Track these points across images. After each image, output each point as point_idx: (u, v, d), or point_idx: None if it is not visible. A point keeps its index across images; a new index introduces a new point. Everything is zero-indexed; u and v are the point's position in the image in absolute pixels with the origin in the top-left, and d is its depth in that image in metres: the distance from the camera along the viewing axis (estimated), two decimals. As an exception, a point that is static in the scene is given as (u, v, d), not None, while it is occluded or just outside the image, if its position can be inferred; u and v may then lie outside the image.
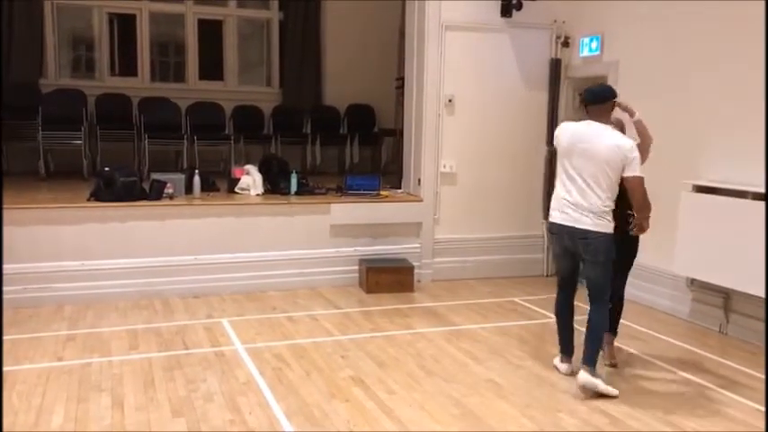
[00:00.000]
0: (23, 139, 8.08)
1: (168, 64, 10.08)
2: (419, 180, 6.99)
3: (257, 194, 6.82)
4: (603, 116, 4.21)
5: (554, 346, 5.00)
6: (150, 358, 4.58)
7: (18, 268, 5.63)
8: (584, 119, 4.26)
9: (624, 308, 4.77)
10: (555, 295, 4.56)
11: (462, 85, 6.89)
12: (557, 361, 4.57)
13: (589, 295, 4.28)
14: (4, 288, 5.56)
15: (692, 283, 5.69)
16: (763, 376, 4.49)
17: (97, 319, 5.42)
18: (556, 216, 4.30)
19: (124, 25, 9.46)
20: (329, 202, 6.67)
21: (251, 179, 6.91)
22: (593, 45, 6.83)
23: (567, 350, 4.52)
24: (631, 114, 4.46)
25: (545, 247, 7.31)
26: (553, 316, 4.63)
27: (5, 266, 5.57)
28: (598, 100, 4.22)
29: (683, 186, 5.58)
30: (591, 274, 4.25)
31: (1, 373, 3.54)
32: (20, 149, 8.23)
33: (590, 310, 4.27)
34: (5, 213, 5.67)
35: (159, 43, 9.79)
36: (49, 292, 5.72)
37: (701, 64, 5.64)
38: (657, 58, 6.09)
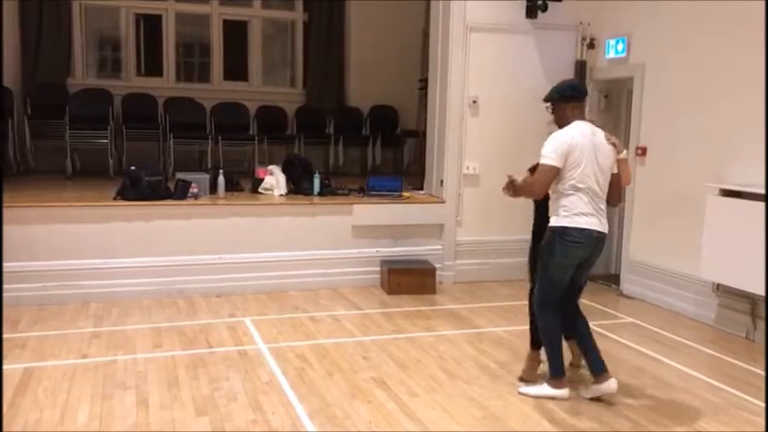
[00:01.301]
0: (51, 137, 8.19)
1: (193, 64, 10.16)
2: (442, 181, 6.97)
3: (280, 195, 6.85)
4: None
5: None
6: (174, 356, 4.61)
7: (44, 266, 5.71)
8: (592, 121, 4.20)
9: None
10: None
11: (486, 86, 6.86)
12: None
13: (577, 301, 4.24)
14: (30, 285, 5.66)
15: (718, 288, 5.61)
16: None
17: (122, 317, 5.47)
18: (594, 223, 3.92)
19: (150, 26, 9.56)
20: (351, 203, 6.68)
21: (274, 179, 6.94)
22: (620, 47, 6.76)
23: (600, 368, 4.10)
24: (619, 151, 4.05)
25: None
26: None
27: (32, 264, 5.66)
28: (585, 95, 4.20)
29: (709, 190, 5.50)
30: (585, 279, 4.25)
31: (1, 374, 3.55)
32: (47, 148, 8.35)
33: (582, 318, 4.22)
34: (33, 211, 5.77)
35: (184, 44, 9.88)
36: (74, 289, 5.78)
37: (728, 66, 5.56)
38: (684, 59, 6.02)
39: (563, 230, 3.93)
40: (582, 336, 4.18)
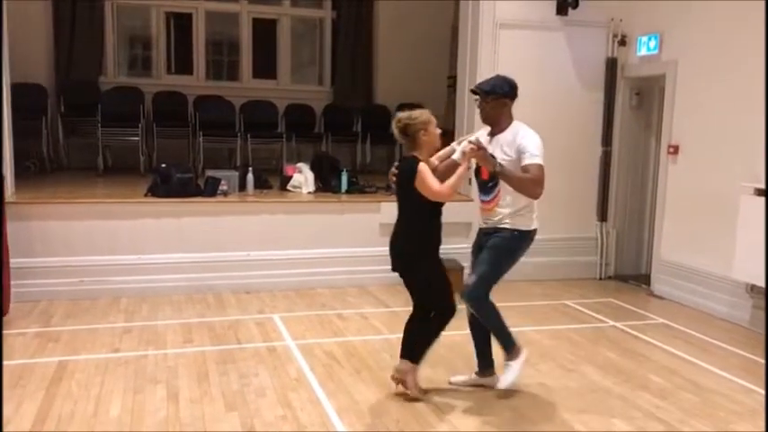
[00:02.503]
0: (83, 135, 8.34)
1: (222, 62, 10.24)
2: (470, 180, 6.92)
3: (308, 192, 6.88)
4: None
5: (609, 350, 4.94)
6: (204, 352, 4.65)
7: (76, 261, 5.80)
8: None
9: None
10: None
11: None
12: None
13: None
14: (64, 280, 5.76)
15: (752, 289, 5.51)
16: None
17: (152, 312, 5.53)
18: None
19: (180, 24, 9.65)
20: (379, 201, 6.67)
21: (303, 177, 6.97)
22: (652, 44, 6.67)
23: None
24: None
25: (599, 249, 7.20)
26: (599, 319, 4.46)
27: (65, 259, 5.75)
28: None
29: (743, 189, 5.41)
30: None
31: (1, 373, 3.64)
32: (80, 145, 8.49)
33: None
34: (65, 207, 5.86)
35: (214, 42, 9.95)
36: (106, 284, 5.87)
37: (762, 64, 5.45)
38: (718, 56, 5.92)
39: (533, 232, 3.96)
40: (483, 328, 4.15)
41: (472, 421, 3.73)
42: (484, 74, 6.70)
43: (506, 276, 7.03)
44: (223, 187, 6.42)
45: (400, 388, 3.98)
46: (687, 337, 5.30)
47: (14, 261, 5.47)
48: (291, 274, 6.33)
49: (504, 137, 3.88)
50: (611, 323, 5.65)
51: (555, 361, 4.71)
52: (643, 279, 7.00)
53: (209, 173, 6.66)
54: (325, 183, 7.02)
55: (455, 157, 4.03)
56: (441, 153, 4.11)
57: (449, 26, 9.15)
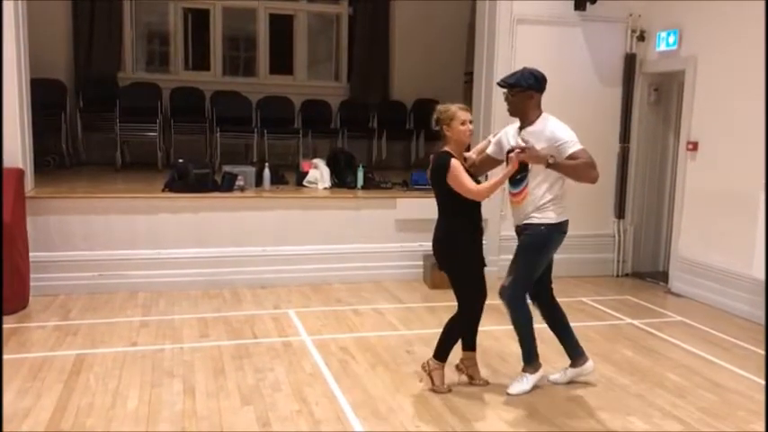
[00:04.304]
0: (102, 130, 8.39)
1: (239, 58, 10.27)
2: (486, 175, 6.90)
3: (324, 188, 6.88)
4: None
5: (626, 348, 4.92)
6: (220, 346, 4.68)
7: (94, 255, 5.85)
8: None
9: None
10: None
11: (533, 80, 6.76)
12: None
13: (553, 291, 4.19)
14: (83, 274, 5.81)
15: (772, 287, 5.45)
16: None
17: (169, 307, 5.57)
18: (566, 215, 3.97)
19: (198, 20, 9.69)
20: (395, 197, 6.67)
21: (319, 173, 6.98)
22: (671, 39, 6.61)
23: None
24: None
25: (616, 246, 7.15)
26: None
27: (83, 253, 5.80)
28: None
29: (763, 186, 5.34)
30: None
31: (1, 371, 3.67)
32: (98, 140, 8.55)
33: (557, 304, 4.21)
34: (83, 202, 5.91)
35: (231, 38, 9.98)
36: (123, 279, 5.91)
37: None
38: (738, 53, 5.85)
39: (560, 225, 3.92)
40: (561, 321, 4.18)
41: (488, 419, 3.72)
42: (501, 70, 6.68)
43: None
44: (240, 183, 6.45)
45: (426, 382, 4.00)
46: (705, 335, 5.25)
47: (33, 255, 5.54)
48: (307, 270, 6.35)
49: (533, 130, 3.88)
50: (628, 320, 5.61)
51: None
52: (660, 276, 6.94)
53: (226, 168, 6.69)
54: (341, 179, 7.03)
55: (488, 151, 4.09)
56: (478, 147, 4.17)
57: (465, 21, 9.11)
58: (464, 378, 4.13)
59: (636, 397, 4.06)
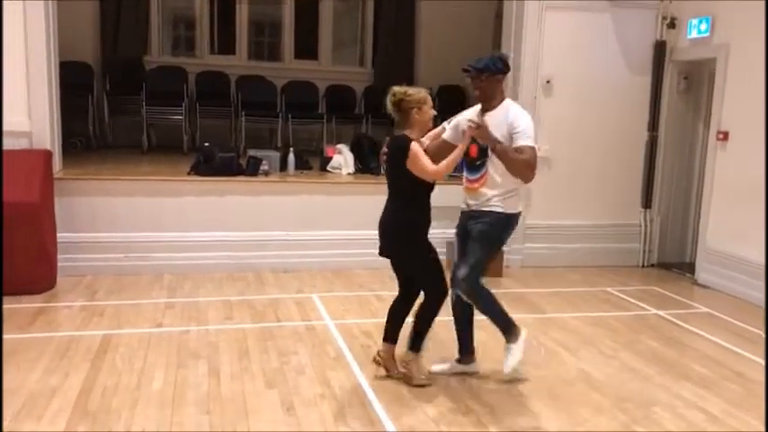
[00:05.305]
0: (128, 113, 8.44)
1: (263, 43, 10.26)
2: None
3: (348, 173, 6.88)
4: None
5: (651, 339, 4.87)
6: (244, 329, 4.71)
7: (120, 237, 5.91)
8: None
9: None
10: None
11: (561, 66, 6.70)
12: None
13: None
14: (108, 255, 5.87)
15: (802, 280, 5.37)
16: None
17: (194, 289, 5.62)
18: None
19: (223, 4, 9.69)
20: (419, 183, 6.64)
21: (342, 158, 6.98)
22: (702, 27, 6.49)
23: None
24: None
25: (642, 236, 7.08)
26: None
27: (109, 235, 5.86)
28: None
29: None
30: None
31: (1, 370, 3.72)
32: (125, 123, 8.61)
33: None
34: (110, 184, 5.97)
35: (256, 22, 9.98)
36: (149, 261, 5.97)
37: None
38: (774, 40, 5.74)
39: (518, 215, 3.91)
40: (469, 316, 4.08)
41: (511, 406, 3.71)
42: (528, 56, 6.66)
43: (544, 263, 7.01)
44: (264, 167, 6.47)
45: (382, 371, 3.96)
46: (732, 327, 5.19)
47: (61, 236, 5.61)
48: (330, 255, 6.36)
49: (495, 113, 3.83)
50: (654, 311, 5.56)
51: (596, 347, 4.66)
52: (687, 267, 6.87)
53: (251, 152, 6.71)
54: (365, 164, 7.02)
55: (444, 136, 4.02)
56: (431, 133, 4.05)
57: (493, 7, 9.01)
58: (381, 371, 3.98)
59: (660, 387, 4.03)
